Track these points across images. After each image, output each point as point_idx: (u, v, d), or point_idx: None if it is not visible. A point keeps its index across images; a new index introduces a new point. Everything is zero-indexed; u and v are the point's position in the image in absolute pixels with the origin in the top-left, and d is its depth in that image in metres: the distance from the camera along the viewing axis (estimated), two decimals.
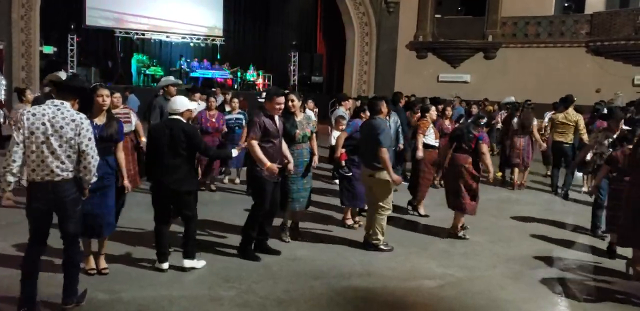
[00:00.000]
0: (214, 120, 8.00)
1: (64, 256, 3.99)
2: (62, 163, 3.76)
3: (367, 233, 5.85)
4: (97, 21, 21.45)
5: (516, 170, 9.79)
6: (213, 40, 23.88)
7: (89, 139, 3.80)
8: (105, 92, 4.54)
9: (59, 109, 3.76)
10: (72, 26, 19.01)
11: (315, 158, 6.11)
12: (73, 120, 3.75)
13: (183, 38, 23.36)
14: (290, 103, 5.65)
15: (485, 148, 6.41)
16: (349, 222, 6.65)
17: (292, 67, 22.54)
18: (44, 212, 3.83)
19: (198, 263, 5.01)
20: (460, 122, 9.70)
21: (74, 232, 3.96)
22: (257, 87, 21.44)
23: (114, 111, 6.19)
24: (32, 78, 15.49)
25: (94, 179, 3.93)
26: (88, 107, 4.19)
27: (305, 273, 5.04)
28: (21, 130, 3.72)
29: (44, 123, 3.71)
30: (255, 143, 5.10)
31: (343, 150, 6.41)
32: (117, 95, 6.38)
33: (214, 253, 5.42)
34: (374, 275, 5.11)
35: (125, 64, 21.02)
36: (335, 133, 7.02)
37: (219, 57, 23.17)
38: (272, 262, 5.28)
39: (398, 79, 20.62)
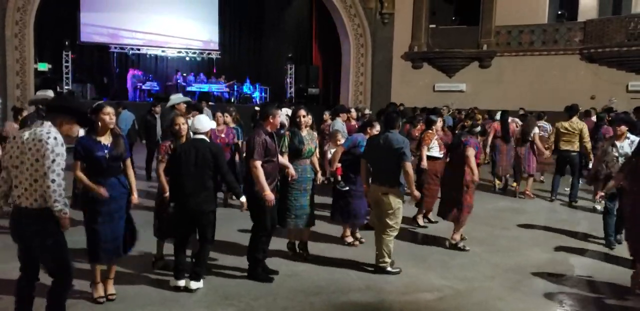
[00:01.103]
0: (223, 135, 7.76)
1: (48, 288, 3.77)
2: (25, 189, 3.52)
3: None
4: (92, 37, 21.48)
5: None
6: (209, 54, 23.94)
7: (52, 161, 3.46)
8: (112, 110, 4.46)
9: (38, 130, 3.56)
10: (67, 43, 19.02)
11: (319, 175, 6.02)
12: (40, 140, 3.48)
13: (179, 52, 23.42)
14: (300, 119, 5.60)
15: (470, 151, 6.28)
16: (349, 239, 6.50)
17: (288, 80, 22.58)
18: (18, 240, 3.66)
19: (202, 283, 4.97)
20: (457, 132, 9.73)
21: (50, 269, 3.68)
22: (254, 100, 21.46)
23: None
24: (27, 96, 15.40)
25: (59, 207, 3.50)
26: (89, 125, 4.07)
27: (304, 289, 5.00)
28: (5, 155, 3.62)
29: (18, 147, 3.55)
30: (259, 165, 4.98)
31: (339, 165, 6.28)
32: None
33: (212, 270, 5.36)
34: (372, 289, 5.08)
35: (120, 79, 21.05)
36: (332, 149, 6.78)
37: (215, 70, 23.23)
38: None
39: (394, 89, 20.67)
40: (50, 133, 3.52)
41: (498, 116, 10.64)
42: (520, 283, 5.34)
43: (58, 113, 3.69)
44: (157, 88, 20.39)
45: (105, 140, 4.40)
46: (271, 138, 5.15)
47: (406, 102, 17.25)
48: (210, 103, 16.83)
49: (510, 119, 10.29)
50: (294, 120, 5.57)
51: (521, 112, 13.37)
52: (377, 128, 6.19)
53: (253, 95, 21.79)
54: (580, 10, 18.99)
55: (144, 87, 20.00)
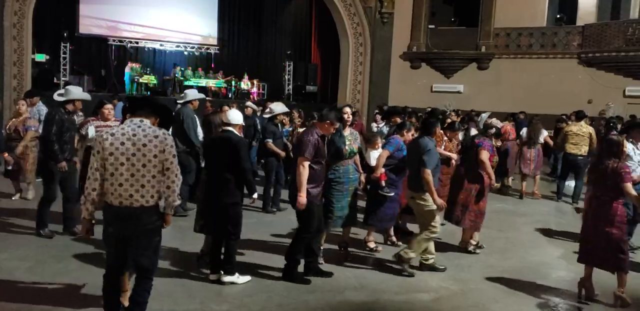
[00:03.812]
0: None
1: (131, 292, 3.79)
2: (142, 186, 3.48)
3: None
4: (91, 29, 21.39)
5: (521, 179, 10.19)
6: (207, 48, 23.85)
7: (174, 156, 3.54)
8: None
9: (139, 126, 3.52)
10: (65, 34, 18.89)
11: (362, 177, 5.94)
12: (156, 136, 3.50)
13: (177, 46, 23.33)
14: (347, 117, 5.50)
15: (484, 154, 6.19)
16: (371, 244, 6.28)
17: (286, 77, 22.52)
18: (120, 239, 3.58)
19: (239, 279, 4.97)
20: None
21: (147, 266, 3.69)
22: (251, 96, 21.39)
23: (105, 123, 6.15)
24: (23, 87, 15.33)
25: (178, 202, 3.61)
26: (169, 126, 3.99)
27: (299, 287, 4.98)
28: (100, 154, 3.48)
29: (123, 143, 3.46)
30: (307, 164, 4.84)
31: (383, 170, 6.01)
32: (110, 106, 6.30)
33: (207, 266, 5.32)
34: (368, 289, 5.07)
35: (118, 72, 20.94)
36: (373, 153, 6.39)
37: (213, 65, 23.15)
38: (266, 276, 5.22)
39: (392, 89, 20.63)
40: (160, 129, 3.57)
41: (482, 118, 10.66)
42: (516, 286, 5.34)
43: (148, 112, 3.66)
44: (155, 82, 20.30)
45: None
46: (322, 140, 5.05)
47: (404, 102, 17.20)
48: (207, 98, 16.76)
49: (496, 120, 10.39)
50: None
51: (522, 116, 13.43)
52: (412, 132, 6.10)
53: (251, 91, 21.73)
54: (579, 15, 19.00)
55: (141, 81, 19.90)
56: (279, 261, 5.58)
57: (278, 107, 8.01)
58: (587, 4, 18.83)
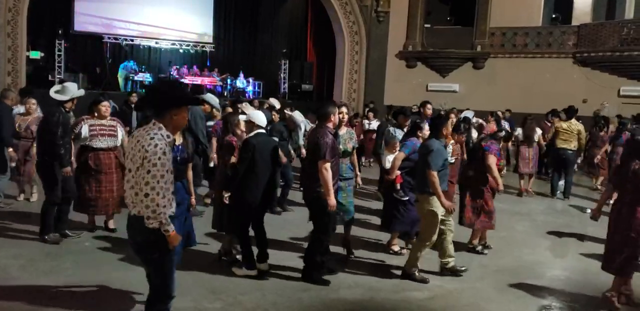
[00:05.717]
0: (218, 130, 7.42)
1: None
2: (134, 195, 3.15)
3: (441, 260, 5.55)
4: (86, 27, 21.28)
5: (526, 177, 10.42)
6: (203, 46, 23.78)
7: (148, 172, 3.05)
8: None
9: (146, 131, 3.17)
10: (60, 31, 18.78)
11: (359, 179, 5.92)
12: (143, 146, 3.07)
13: (172, 44, 23.25)
14: (342, 116, 5.52)
15: (491, 159, 6.08)
16: (395, 248, 6.17)
17: (282, 75, 22.49)
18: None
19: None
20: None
21: (155, 284, 3.34)
22: (247, 95, 21.35)
23: (99, 122, 6.04)
24: (18, 84, 15.29)
25: (153, 225, 3.10)
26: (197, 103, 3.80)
27: (293, 285, 4.98)
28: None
29: (132, 147, 3.18)
30: (329, 167, 4.81)
31: (398, 172, 5.92)
32: (107, 104, 6.20)
33: (200, 263, 5.33)
34: (362, 287, 5.07)
35: (113, 70, 20.86)
36: (390, 156, 6.26)
37: (208, 63, 23.09)
38: (260, 273, 5.21)
39: (387, 88, 20.66)
40: (154, 138, 3.09)
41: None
42: (510, 285, 5.34)
43: (168, 108, 3.24)
44: (150, 79, 20.24)
45: (177, 140, 4.02)
46: (335, 137, 5.06)
47: (399, 101, 17.21)
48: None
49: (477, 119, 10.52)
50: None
51: (501, 114, 13.58)
52: (426, 129, 5.91)
53: (246, 90, 21.70)
54: (574, 14, 19.06)
55: (136, 78, 19.83)
56: (273, 259, 5.58)
57: (301, 118, 8.24)
58: (582, 4, 18.88)
